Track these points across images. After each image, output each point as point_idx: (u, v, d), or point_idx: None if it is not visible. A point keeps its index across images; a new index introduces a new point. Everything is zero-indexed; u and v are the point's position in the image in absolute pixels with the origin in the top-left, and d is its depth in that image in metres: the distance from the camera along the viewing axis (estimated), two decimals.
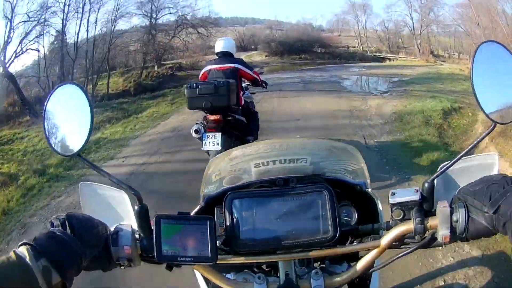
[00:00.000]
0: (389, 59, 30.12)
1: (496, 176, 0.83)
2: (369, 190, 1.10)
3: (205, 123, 4.37)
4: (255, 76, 5.15)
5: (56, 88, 0.93)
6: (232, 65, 4.90)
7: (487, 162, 0.95)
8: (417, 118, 7.79)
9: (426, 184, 0.88)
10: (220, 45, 5.26)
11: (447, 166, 0.86)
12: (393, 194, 0.90)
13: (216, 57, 5.25)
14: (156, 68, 23.54)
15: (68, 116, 0.93)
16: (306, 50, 32.84)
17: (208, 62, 5.36)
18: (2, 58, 14.90)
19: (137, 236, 0.90)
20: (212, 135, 4.26)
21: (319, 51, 33.37)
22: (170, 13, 25.46)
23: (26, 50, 16.49)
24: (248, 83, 5.38)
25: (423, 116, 7.90)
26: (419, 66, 22.71)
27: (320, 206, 0.95)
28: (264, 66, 28.67)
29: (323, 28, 36.13)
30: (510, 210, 0.74)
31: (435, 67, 21.69)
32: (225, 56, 5.10)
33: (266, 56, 32.53)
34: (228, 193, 0.98)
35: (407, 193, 0.89)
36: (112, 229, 0.90)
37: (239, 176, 1.14)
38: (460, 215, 0.82)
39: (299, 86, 14.67)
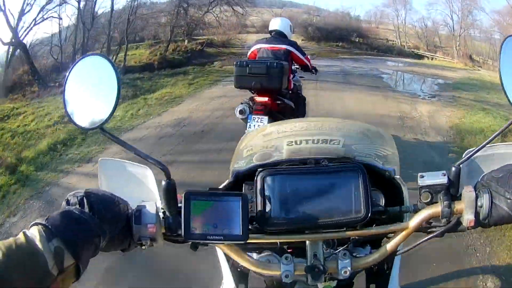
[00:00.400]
0: (427, 57, 29.56)
1: None
2: (398, 177, 1.08)
3: (251, 104, 4.21)
4: (306, 61, 5.00)
5: (81, 59, 0.88)
6: (284, 46, 4.75)
7: (510, 151, 0.97)
8: (480, 141, 7.25)
9: (453, 169, 0.88)
10: (275, 24, 5.05)
11: (473, 152, 0.89)
12: (422, 176, 0.90)
13: (268, 36, 5.09)
14: (186, 43, 22.95)
15: (92, 88, 0.87)
16: (343, 38, 32.10)
17: (258, 40, 5.15)
18: (15, 25, 14.16)
19: (161, 214, 0.87)
20: (259, 117, 4.09)
21: (356, 40, 32.67)
22: None
23: (48, 18, 15.88)
24: (298, 66, 5.19)
25: (485, 138, 7.40)
26: (459, 69, 22.18)
27: (353, 186, 0.93)
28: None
29: (361, 18, 35.24)
30: None
31: (474, 72, 21.11)
32: (279, 36, 4.92)
33: (302, 40, 31.25)
34: (259, 169, 0.96)
35: (435, 176, 0.89)
36: (133, 207, 0.86)
37: (270, 153, 1.12)
38: (484, 201, 0.83)
39: (339, 78, 13.79)
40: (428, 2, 33.36)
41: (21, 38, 14.53)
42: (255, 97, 4.28)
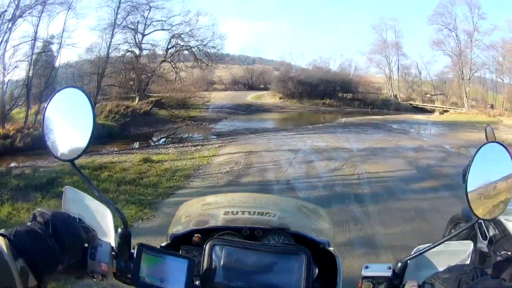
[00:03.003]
0: (436, 111, 26.11)
1: (467, 266, 0.88)
2: (332, 249, 1.11)
3: None
4: None
5: (58, 91, 0.95)
6: None
7: (462, 249, 0.97)
8: None
9: (399, 264, 0.91)
10: None
11: (422, 250, 0.91)
12: (367, 267, 0.94)
13: None
14: (137, 101, 19.19)
15: (69, 121, 0.94)
16: (329, 93, 28.38)
17: None
18: None
19: (114, 254, 0.91)
20: None
21: (346, 96, 29.00)
22: (163, 29, 21.33)
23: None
24: None
25: None
26: (485, 122, 17.33)
27: (295, 267, 0.99)
28: (269, 110, 24.39)
29: (347, 69, 31.88)
30: None
31: None
32: None
33: (280, 98, 27.82)
34: (210, 238, 1.04)
35: (380, 269, 0.92)
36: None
37: (207, 220, 1.19)
38: None
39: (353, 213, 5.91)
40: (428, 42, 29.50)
41: None
42: None
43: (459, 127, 17.70)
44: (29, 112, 14.99)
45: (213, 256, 1.01)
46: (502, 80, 25.46)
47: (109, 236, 0.97)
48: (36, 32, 15.72)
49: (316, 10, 47.52)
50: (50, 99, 0.92)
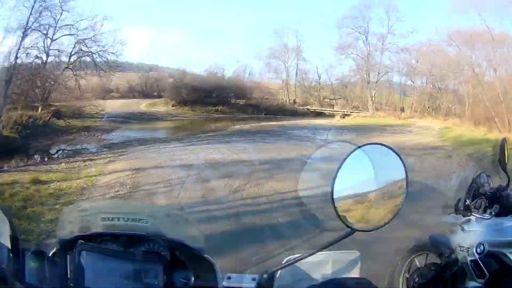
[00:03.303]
0: (336, 115, 26.28)
1: (350, 279, 0.88)
2: (206, 256, 1.14)
3: None
4: None
5: None
6: None
7: (348, 259, 0.97)
8: None
9: (265, 275, 0.91)
10: None
11: (293, 260, 0.90)
12: (229, 278, 0.96)
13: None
14: (39, 111, 18.16)
15: None
16: (223, 101, 27.69)
17: None
18: None
19: None
20: None
21: (239, 102, 28.41)
22: (70, 34, 20.40)
23: None
24: None
25: None
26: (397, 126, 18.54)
27: (156, 274, 1.02)
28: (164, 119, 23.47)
29: (242, 76, 30.80)
30: None
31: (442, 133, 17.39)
32: None
33: (173, 106, 26.84)
34: (79, 243, 1.05)
35: (244, 280, 0.93)
36: None
37: (88, 226, 1.17)
38: None
39: None
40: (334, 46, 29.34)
41: None
42: None
43: (367, 131, 17.53)
44: None
45: (81, 261, 1.00)
46: (413, 82, 26.66)
47: None
48: None
49: (214, 14, 46.20)
50: None
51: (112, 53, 21.79)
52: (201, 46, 47.81)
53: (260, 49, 36.96)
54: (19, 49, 17.75)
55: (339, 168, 0.83)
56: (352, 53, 27.35)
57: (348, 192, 0.84)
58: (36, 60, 19.34)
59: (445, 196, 6.75)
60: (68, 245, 1.12)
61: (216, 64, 30.51)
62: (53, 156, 14.20)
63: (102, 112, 22.75)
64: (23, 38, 17.98)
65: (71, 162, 11.82)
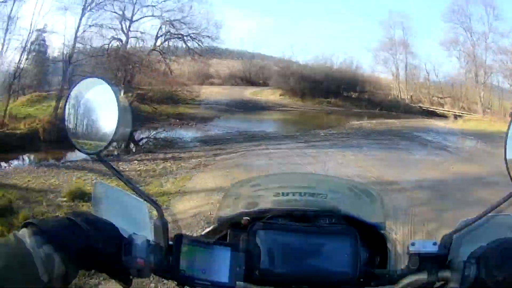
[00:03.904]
0: (449, 116, 24.26)
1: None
2: (384, 232, 1.08)
3: None
4: None
5: (79, 82, 0.90)
6: None
7: (506, 221, 0.93)
8: None
9: (445, 238, 0.91)
10: None
11: (467, 223, 0.90)
12: (413, 244, 0.93)
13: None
14: (122, 94, 16.34)
15: (93, 113, 0.91)
16: (334, 92, 26.46)
17: None
18: None
19: (151, 249, 0.88)
20: None
21: (351, 95, 27.11)
22: (153, 15, 19.50)
23: None
24: None
25: None
26: None
27: (344, 248, 0.94)
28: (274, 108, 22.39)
29: (351, 66, 29.33)
30: None
31: None
32: None
33: (280, 94, 26.10)
34: (255, 222, 0.98)
35: (426, 245, 0.91)
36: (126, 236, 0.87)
37: (257, 202, 1.14)
38: (471, 273, 0.83)
39: None
40: (440, 41, 27.24)
41: None
42: None
43: (495, 140, 13.03)
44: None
45: (258, 241, 0.92)
46: None
47: (145, 229, 0.94)
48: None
49: (319, 3, 45.65)
50: (70, 92, 0.89)
51: (208, 36, 20.43)
52: (306, 35, 47.33)
53: (368, 41, 35.48)
54: (79, 26, 16.91)
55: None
56: (459, 50, 25.18)
57: None
58: (114, 41, 18.55)
59: None
60: (231, 225, 1.07)
61: (322, 54, 29.73)
62: (129, 148, 12.62)
63: (198, 98, 21.61)
64: (82, 14, 17.02)
65: (147, 161, 10.49)
